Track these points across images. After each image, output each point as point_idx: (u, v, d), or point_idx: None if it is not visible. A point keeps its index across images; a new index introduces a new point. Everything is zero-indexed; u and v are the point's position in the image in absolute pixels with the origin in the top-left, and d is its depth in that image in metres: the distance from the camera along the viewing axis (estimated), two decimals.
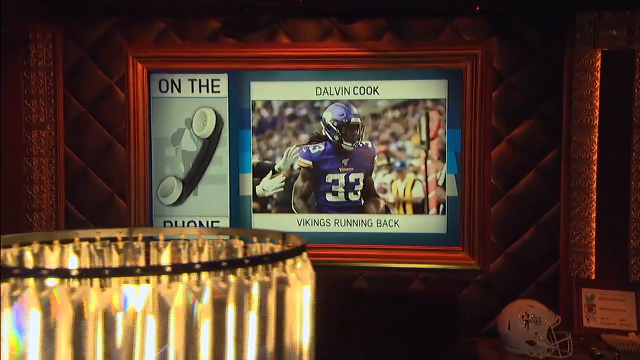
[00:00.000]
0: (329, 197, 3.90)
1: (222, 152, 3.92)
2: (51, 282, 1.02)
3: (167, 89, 3.92)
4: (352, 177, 3.88)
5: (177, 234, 1.47)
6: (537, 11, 3.68)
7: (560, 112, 3.69)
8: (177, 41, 3.89)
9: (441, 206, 3.83)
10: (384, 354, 3.50)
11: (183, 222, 3.95)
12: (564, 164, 3.70)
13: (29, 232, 3.53)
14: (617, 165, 3.62)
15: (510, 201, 3.78)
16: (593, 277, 3.66)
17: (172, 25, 3.88)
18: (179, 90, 3.92)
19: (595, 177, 3.63)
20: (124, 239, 1.39)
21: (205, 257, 1.37)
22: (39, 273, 1.02)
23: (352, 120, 3.84)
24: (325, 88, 3.84)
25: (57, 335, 0.98)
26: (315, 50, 3.79)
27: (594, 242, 3.65)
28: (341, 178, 3.88)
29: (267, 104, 3.89)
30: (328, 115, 3.85)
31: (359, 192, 3.88)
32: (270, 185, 3.92)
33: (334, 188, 3.89)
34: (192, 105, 3.93)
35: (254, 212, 3.93)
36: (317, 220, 3.90)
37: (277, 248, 1.31)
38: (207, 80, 3.90)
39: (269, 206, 3.93)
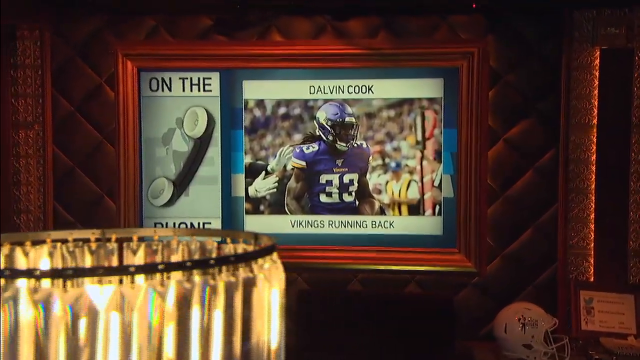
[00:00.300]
0: (323, 198, 3.84)
1: (214, 152, 3.87)
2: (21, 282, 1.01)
3: (158, 87, 3.86)
4: (346, 178, 3.82)
5: (150, 235, 1.46)
6: (534, 9, 3.65)
7: (558, 111, 3.65)
8: (167, 39, 3.84)
9: (437, 207, 3.78)
10: (379, 359, 3.46)
11: (174, 223, 3.89)
12: (562, 164, 3.66)
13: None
14: (616, 165, 3.58)
15: (507, 202, 3.74)
16: (591, 279, 3.62)
17: (163, 22, 3.83)
18: (170, 89, 3.86)
19: (593, 177, 3.60)
20: (97, 239, 1.38)
21: (179, 258, 1.36)
22: (2, 274, 1.01)
23: (347, 119, 3.79)
24: (319, 87, 3.79)
25: (19, 335, 0.98)
26: (309, 48, 3.74)
27: (592, 244, 3.62)
28: (335, 179, 3.83)
29: (260, 103, 3.84)
30: (322, 115, 3.80)
31: (353, 193, 3.82)
32: (263, 186, 3.86)
33: (328, 189, 3.83)
34: (183, 104, 3.87)
35: (246, 213, 3.87)
36: (310, 222, 3.84)
37: (250, 249, 1.30)
38: (199, 79, 3.85)
39: (261, 207, 3.87)
